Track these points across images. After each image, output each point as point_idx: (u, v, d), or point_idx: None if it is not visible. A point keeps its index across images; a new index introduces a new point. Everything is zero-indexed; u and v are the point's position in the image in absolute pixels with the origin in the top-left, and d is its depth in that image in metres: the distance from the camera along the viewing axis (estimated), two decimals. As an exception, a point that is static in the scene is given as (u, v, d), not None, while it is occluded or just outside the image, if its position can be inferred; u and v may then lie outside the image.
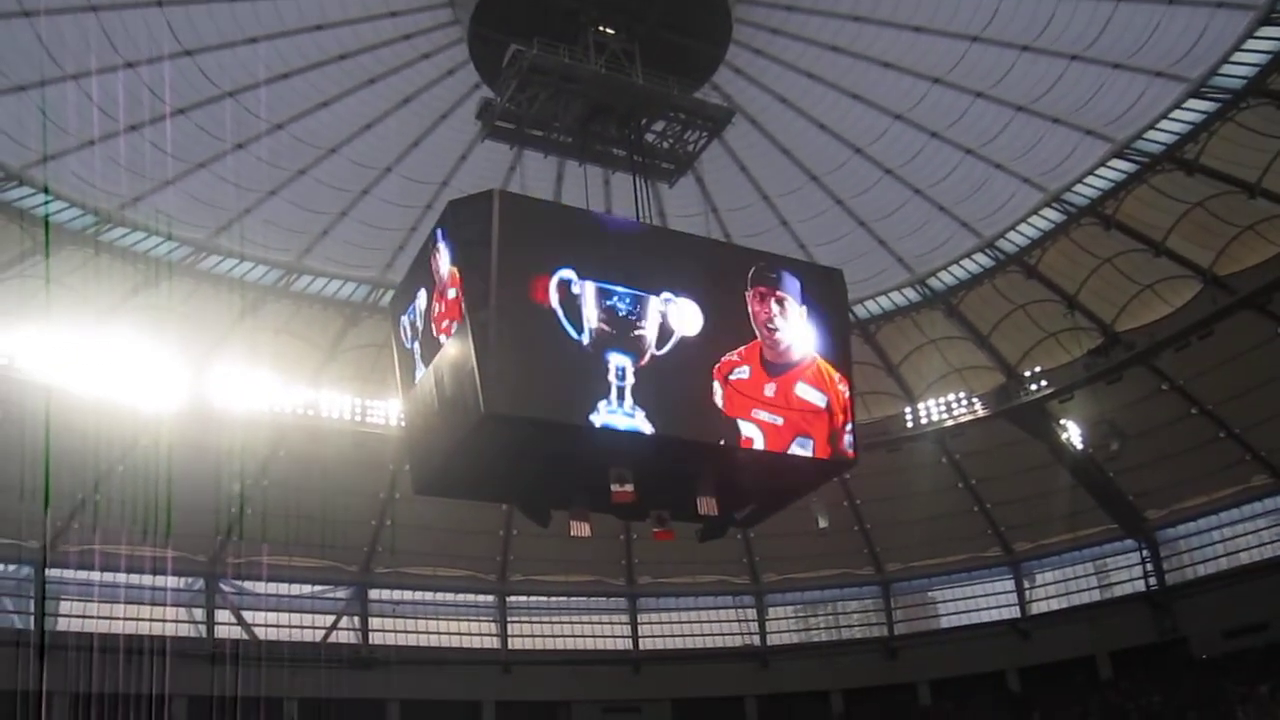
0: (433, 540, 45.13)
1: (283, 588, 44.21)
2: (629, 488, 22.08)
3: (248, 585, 43.54)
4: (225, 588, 43.34)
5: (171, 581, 41.52)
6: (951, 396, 44.18)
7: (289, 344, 41.94)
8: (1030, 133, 36.29)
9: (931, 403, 44.52)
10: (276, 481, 41.76)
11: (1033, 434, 43.18)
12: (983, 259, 41.38)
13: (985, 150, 37.14)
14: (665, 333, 22.47)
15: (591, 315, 21.76)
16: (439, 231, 22.73)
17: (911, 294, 43.52)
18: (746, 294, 23.80)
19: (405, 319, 24.35)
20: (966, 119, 36.37)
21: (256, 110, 34.38)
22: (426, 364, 23.28)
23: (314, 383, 42.17)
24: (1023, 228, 39.89)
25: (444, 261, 22.39)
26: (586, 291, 21.82)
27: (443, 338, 22.41)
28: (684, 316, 22.70)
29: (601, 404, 21.32)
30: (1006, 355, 43.60)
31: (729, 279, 23.72)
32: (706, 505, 23.89)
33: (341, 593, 45.86)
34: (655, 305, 22.48)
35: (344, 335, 42.72)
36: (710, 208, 39.63)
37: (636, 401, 21.58)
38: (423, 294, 23.40)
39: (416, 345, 23.86)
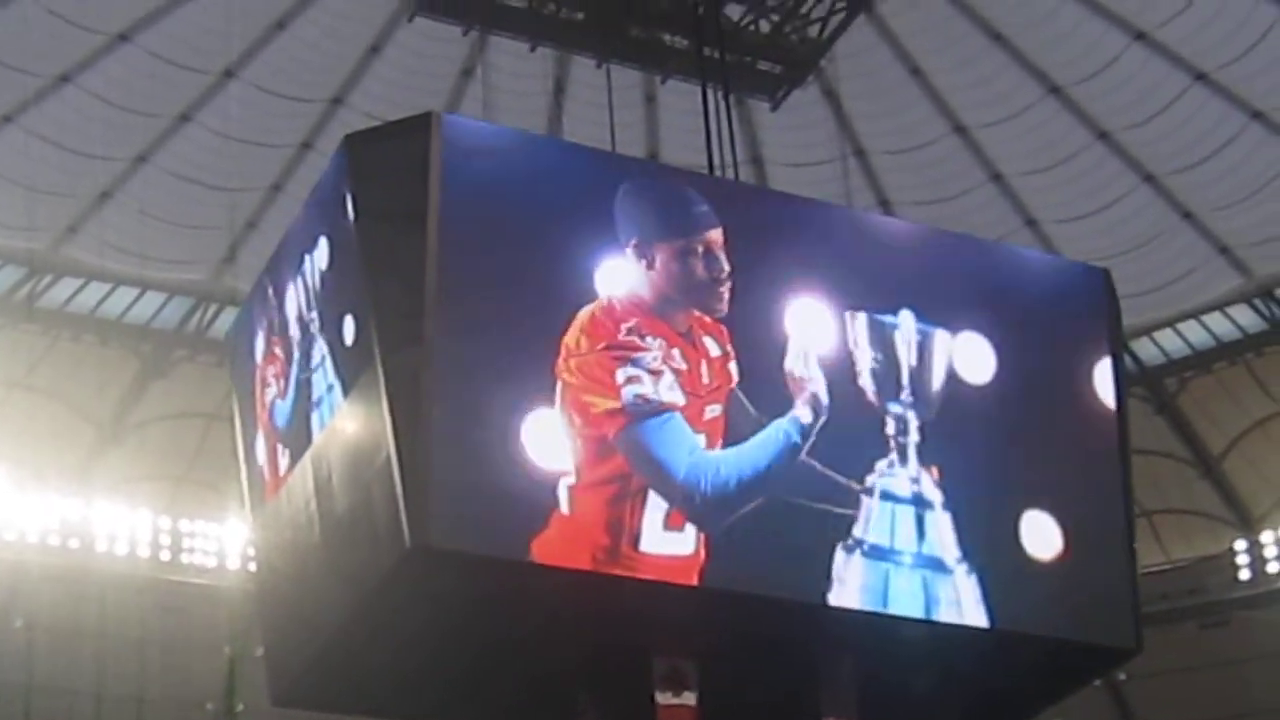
0: (307, 793, 45.14)
1: None
2: (690, 699, 21.90)
3: None
4: None
5: None
6: (1327, 522, 43.97)
7: (36, 409, 42.26)
8: None
9: (1288, 533, 44.30)
10: (8, 680, 41.89)
11: None
12: (1387, 251, 41.34)
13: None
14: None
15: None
16: (329, 192, 22.80)
17: (1247, 317, 43.56)
18: None
19: (260, 360, 24.44)
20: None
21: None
22: (300, 451, 23.28)
23: (82, 485, 42.50)
24: None
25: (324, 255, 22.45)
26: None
27: (332, 398, 22.41)
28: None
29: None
30: None
31: None
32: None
33: None
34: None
35: (141, 393, 43.22)
36: (851, 150, 39.73)
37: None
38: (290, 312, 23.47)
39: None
